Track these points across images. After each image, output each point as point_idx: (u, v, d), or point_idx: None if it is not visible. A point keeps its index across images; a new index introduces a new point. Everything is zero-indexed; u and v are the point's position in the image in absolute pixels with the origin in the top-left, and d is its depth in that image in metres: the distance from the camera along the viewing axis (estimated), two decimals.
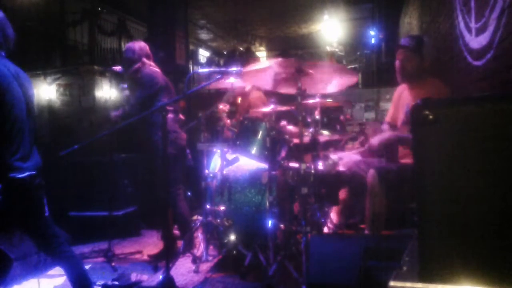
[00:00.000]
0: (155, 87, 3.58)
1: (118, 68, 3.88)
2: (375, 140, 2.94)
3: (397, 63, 3.01)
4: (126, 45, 3.87)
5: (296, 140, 3.31)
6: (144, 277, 3.24)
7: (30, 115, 2.34)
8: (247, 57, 10.77)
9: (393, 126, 3.21)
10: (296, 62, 2.89)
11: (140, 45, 3.76)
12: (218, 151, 3.51)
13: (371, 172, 2.85)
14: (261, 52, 15.44)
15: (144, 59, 3.70)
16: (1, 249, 2.36)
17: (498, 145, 1.11)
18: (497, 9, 2.13)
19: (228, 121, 3.80)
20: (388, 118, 3.29)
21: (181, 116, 3.85)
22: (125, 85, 3.79)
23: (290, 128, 3.54)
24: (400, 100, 3.14)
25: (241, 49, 13.71)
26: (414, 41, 2.95)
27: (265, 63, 3.05)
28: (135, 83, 3.68)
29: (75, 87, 6.30)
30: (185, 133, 3.85)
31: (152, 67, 3.72)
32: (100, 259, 3.67)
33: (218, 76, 3.12)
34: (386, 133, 3.01)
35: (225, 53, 14.29)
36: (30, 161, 2.28)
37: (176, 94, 3.95)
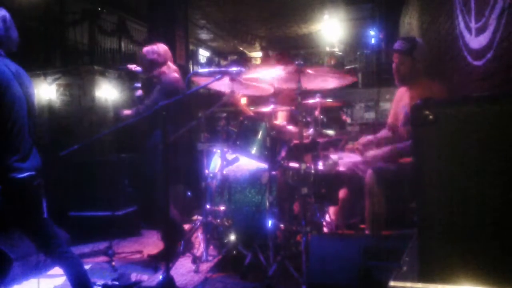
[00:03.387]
0: (173, 96, 3.53)
1: (133, 66, 3.80)
2: (371, 157, 2.97)
3: (393, 66, 3.04)
4: (147, 48, 3.73)
5: (296, 140, 3.32)
6: (144, 277, 3.24)
7: (31, 114, 2.34)
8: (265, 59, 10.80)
9: (393, 127, 3.21)
10: (295, 69, 2.94)
11: (164, 48, 3.71)
12: (218, 151, 3.51)
13: (369, 172, 2.85)
14: (259, 52, 15.45)
15: (170, 63, 3.68)
16: (1, 249, 2.36)
17: (498, 145, 1.11)
18: (497, 9, 2.13)
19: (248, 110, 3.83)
20: (389, 120, 3.29)
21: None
22: (139, 85, 3.74)
23: (290, 128, 3.55)
24: (400, 102, 3.15)
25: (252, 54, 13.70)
26: (406, 44, 2.97)
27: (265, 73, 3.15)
28: (153, 85, 3.64)
29: (75, 87, 6.30)
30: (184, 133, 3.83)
31: (175, 73, 3.67)
32: (100, 259, 3.66)
33: (218, 76, 3.12)
34: (384, 148, 3.01)
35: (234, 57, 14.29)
36: (30, 161, 2.27)
37: None
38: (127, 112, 3.67)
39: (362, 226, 3.24)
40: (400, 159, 2.95)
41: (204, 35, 13.69)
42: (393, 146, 2.97)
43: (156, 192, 3.57)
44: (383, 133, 3.30)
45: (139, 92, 3.71)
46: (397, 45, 3.03)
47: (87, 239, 4.17)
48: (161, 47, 3.71)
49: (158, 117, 3.45)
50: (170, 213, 3.61)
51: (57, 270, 3.05)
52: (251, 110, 4.03)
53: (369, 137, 3.33)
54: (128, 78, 3.87)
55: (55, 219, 2.43)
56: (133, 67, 3.81)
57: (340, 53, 13.09)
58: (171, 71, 3.66)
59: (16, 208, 2.24)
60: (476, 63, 2.53)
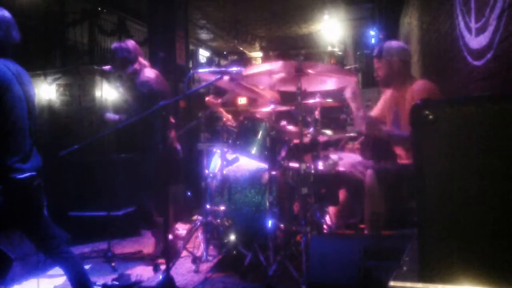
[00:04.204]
0: (149, 94, 3.51)
1: (107, 67, 3.81)
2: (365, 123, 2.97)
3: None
4: (116, 45, 3.73)
5: (296, 140, 3.31)
6: (144, 277, 3.24)
7: (31, 115, 2.34)
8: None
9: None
10: (296, 65, 2.93)
11: (132, 44, 3.70)
12: (218, 151, 3.51)
13: (369, 172, 2.85)
14: (259, 52, 15.45)
15: (140, 59, 3.68)
16: (1, 249, 2.36)
17: (498, 145, 1.11)
18: (497, 9, 2.13)
19: (226, 114, 3.82)
20: (373, 112, 3.33)
21: (172, 120, 3.79)
22: (120, 84, 3.75)
23: (290, 128, 3.54)
24: (387, 101, 3.23)
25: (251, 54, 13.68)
26: (377, 49, 3.08)
27: (265, 67, 3.12)
28: (133, 86, 3.64)
29: (75, 87, 6.30)
30: (179, 134, 3.82)
31: (148, 70, 3.67)
32: (100, 259, 3.66)
33: (218, 76, 3.12)
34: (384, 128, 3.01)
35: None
36: (31, 161, 2.27)
37: (175, 94, 3.92)
38: (111, 116, 3.65)
39: (362, 226, 3.24)
40: (394, 144, 2.96)
41: (204, 35, 13.69)
42: (390, 130, 2.99)
43: (150, 192, 3.59)
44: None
45: (121, 90, 3.71)
46: (374, 51, 3.14)
47: (87, 239, 4.17)
48: (130, 44, 3.69)
49: (152, 119, 3.46)
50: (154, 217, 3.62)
51: (57, 270, 3.05)
52: (230, 116, 4.03)
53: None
54: (111, 79, 3.84)
55: (55, 219, 2.43)
56: (106, 68, 3.80)
57: (340, 53, 13.09)
58: (143, 67, 3.65)
59: (16, 208, 2.24)
60: (476, 63, 2.53)
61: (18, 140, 2.23)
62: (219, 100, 3.93)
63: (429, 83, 2.96)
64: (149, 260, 3.62)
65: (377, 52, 3.05)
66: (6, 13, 2.30)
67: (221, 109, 4.01)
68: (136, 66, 3.61)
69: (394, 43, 3.14)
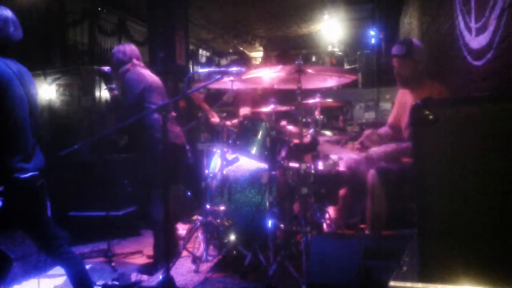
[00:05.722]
0: (138, 89, 3.49)
1: (106, 68, 3.80)
2: (375, 153, 2.96)
3: (394, 71, 3.06)
4: (115, 48, 3.75)
5: (296, 140, 3.32)
6: (144, 277, 3.23)
7: (33, 114, 2.33)
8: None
9: (394, 128, 3.21)
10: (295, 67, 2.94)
11: (130, 47, 3.70)
12: (218, 151, 3.51)
13: (372, 172, 2.85)
14: (259, 52, 15.45)
15: (134, 60, 3.66)
16: (1, 249, 2.36)
17: (498, 145, 1.11)
18: (497, 9, 2.13)
19: (210, 110, 3.82)
20: (390, 119, 3.30)
21: (173, 114, 3.80)
22: (113, 85, 3.74)
23: (290, 128, 3.55)
24: (402, 103, 3.17)
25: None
26: (404, 47, 3.00)
27: (265, 72, 3.15)
28: (123, 86, 3.65)
29: (75, 87, 6.29)
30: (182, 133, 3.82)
31: (139, 68, 3.65)
32: (100, 259, 3.67)
33: (218, 76, 3.12)
34: (387, 146, 3.00)
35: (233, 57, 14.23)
36: (33, 161, 2.27)
37: (175, 94, 3.92)
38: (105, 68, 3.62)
39: (362, 226, 3.24)
40: (403, 157, 2.95)
41: (204, 35, 13.68)
42: (398, 144, 2.98)
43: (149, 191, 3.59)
44: (385, 129, 3.30)
45: (114, 93, 3.70)
46: (395, 49, 3.06)
47: (87, 239, 4.17)
48: (127, 46, 3.70)
49: (148, 118, 3.45)
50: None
51: (57, 270, 3.06)
52: (211, 108, 4.01)
53: (373, 130, 3.34)
54: (103, 80, 3.81)
55: (55, 219, 2.43)
56: (105, 68, 3.78)
57: (340, 53, 13.09)
58: (135, 67, 3.62)
59: (18, 208, 2.24)
60: (476, 63, 2.53)
61: (20, 139, 2.22)
62: (202, 95, 3.92)
63: (446, 90, 2.93)
64: (149, 261, 3.62)
65: (404, 51, 2.97)
66: (3, 11, 2.27)
67: (204, 104, 4.00)
68: (128, 66, 3.61)
69: (419, 43, 3.10)
